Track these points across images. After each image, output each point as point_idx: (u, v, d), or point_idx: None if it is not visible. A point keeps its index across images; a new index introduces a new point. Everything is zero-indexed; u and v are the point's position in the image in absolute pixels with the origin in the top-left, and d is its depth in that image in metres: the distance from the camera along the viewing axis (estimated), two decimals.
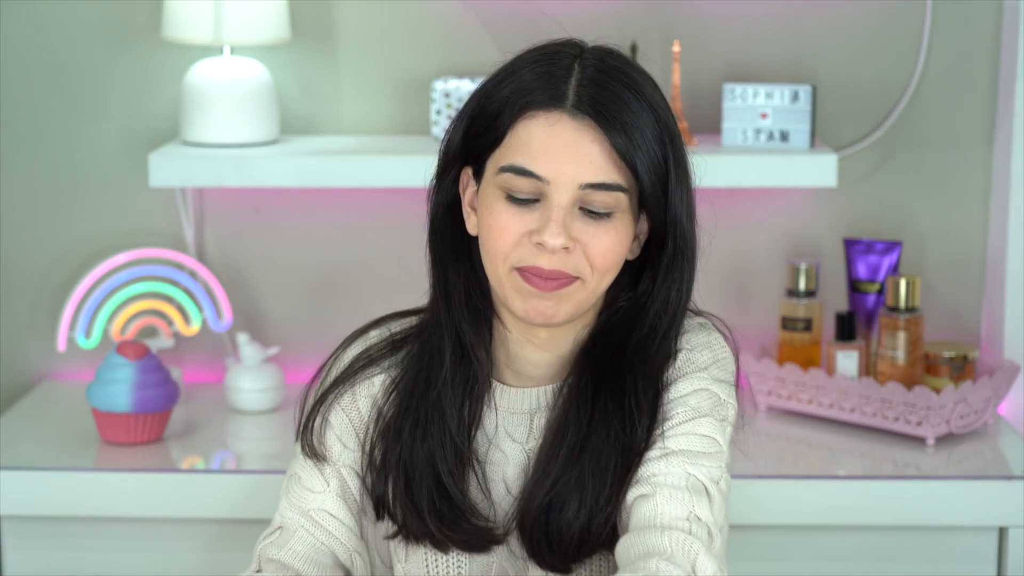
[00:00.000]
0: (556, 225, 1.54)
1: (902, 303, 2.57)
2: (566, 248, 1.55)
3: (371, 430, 1.69)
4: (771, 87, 2.59)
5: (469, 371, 1.66)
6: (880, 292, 2.65)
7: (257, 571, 1.69)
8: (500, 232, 1.56)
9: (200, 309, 2.70)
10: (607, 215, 1.57)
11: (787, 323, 2.66)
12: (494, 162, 1.58)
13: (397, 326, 1.74)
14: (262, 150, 2.59)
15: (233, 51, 2.64)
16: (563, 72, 1.57)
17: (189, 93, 2.61)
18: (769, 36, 2.70)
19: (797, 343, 2.65)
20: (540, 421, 1.67)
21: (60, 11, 2.71)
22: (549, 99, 1.55)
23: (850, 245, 2.69)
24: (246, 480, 2.37)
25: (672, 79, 2.61)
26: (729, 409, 1.68)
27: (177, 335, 2.74)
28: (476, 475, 1.66)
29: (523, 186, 1.56)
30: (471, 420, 1.65)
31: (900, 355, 2.57)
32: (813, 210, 2.74)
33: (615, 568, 1.63)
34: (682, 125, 2.61)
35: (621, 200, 1.56)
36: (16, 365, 2.81)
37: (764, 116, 2.60)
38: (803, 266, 2.65)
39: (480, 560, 1.68)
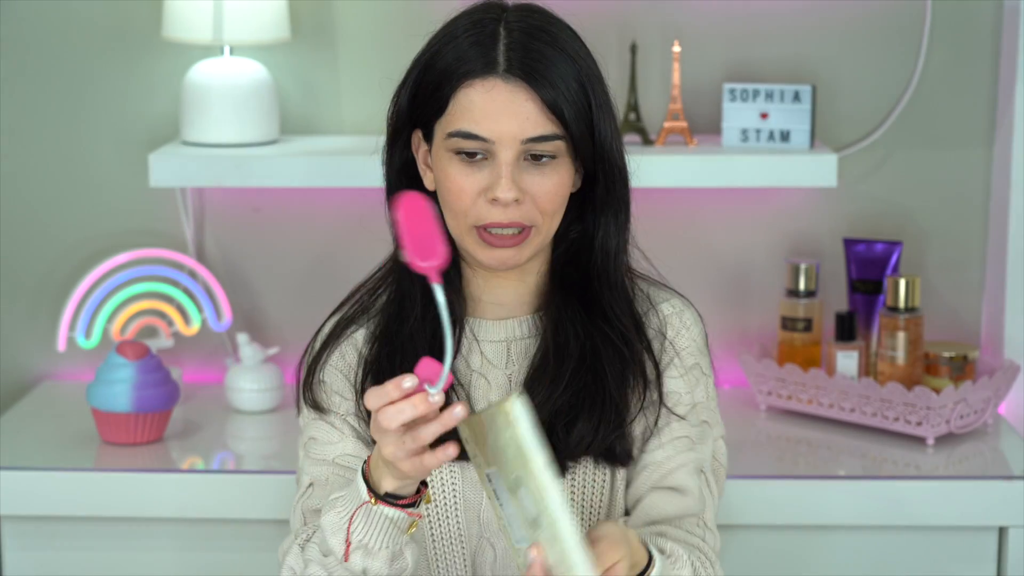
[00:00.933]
0: (506, 180, 1.70)
1: (902, 303, 2.57)
2: (517, 200, 1.70)
3: (359, 373, 1.81)
4: (771, 87, 2.59)
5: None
6: (880, 292, 2.65)
7: (304, 523, 1.78)
8: (457, 193, 1.72)
9: (200, 309, 2.70)
10: (550, 157, 1.71)
11: (787, 323, 2.66)
12: (441, 128, 1.73)
13: (361, 293, 1.87)
14: (262, 150, 2.60)
15: (233, 51, 2.64)
16: (491, 40, 1.72)
17: (189, 93, 2.61)
18: (769, 36, 2.70)
19: (797, 343, 2.65)
20: (519, 348, 1.80)
21: (60, 11, 2.71)
22: (483, 67, 1.71)
23: (850, 245, 2.69)
24: (246, 480, 2.37)
25: (672, 79, 2.61)
26: (711, 373, 1.86)
27: (177, 335, 2.74)
28: (459, 397, 1.77)
29: (471, 146, 1.71)
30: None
31: (900, 355, 2.57)
32: (813, 210, 2.74)
33: (603, 464, 1.78)
34: (682, 125, 2.61)
35: (560, 147, 1.72)
36: (16, 365, 2.81)
37: (764, 116, 2.60)
38: (803, 266, 2.64)
39: (472, 477, 1.78)
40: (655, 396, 1.78)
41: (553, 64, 1.70)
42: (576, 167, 1.76)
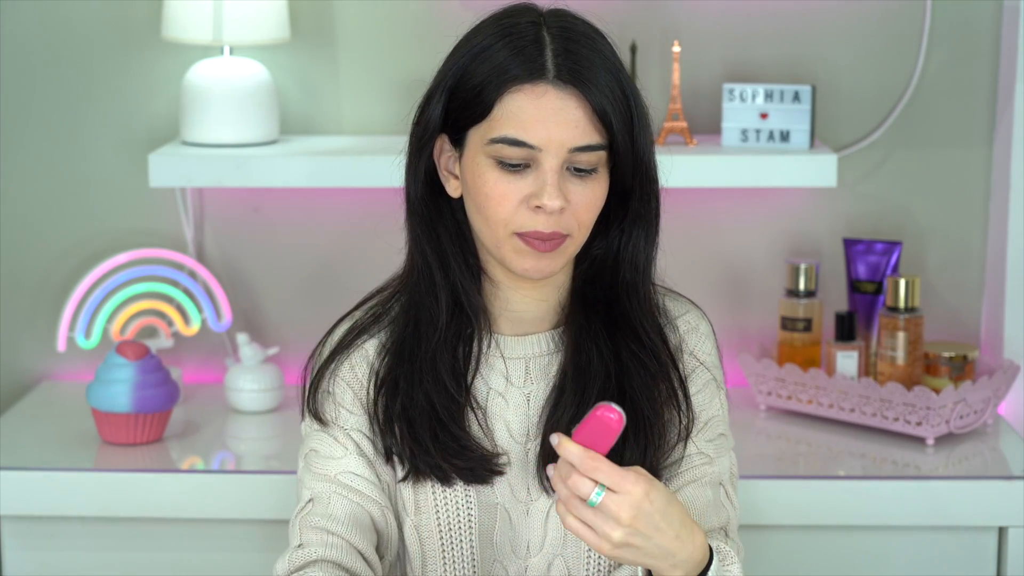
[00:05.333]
0: (553, 188, 1.66)
1: (902, 303, 2.57)
2: (561, 209, 1.67)
3: (370, 390, 1.77)
4: (771, 87, 2.59)
5: (462, 324, 1.76)
6: (880, 292, 2.65)
7: (299, 545, 1.74)
8: (500, 200, 1.67)
9: (200, 309, 2.70)
10: (591, 171, 1.69)
11: (787, 323, 2.66)
12: (481, 133, 1.68)
13: (375, 301, 1.84)
14: (262, 150, 2.59)
15: (233, 51, 2.64)
16: (535, 45, 1.67)
17: (189, 93, 2.61)
18: (769, 36, 2.70)
19: (797, 343, 2.65)
20: (538, 365, 1.78)
21: (60, 11, 2.71)
22: (531, 72, 1.66)
23: (850, 245, 2.69)
24: (246, 480, 2.37)
25: (672, 79, 2.61)
26: (724, 386, 1.84)
27: (177, 335, 2.74)
28: (477, 418, 1.75)
29: (515, 154, 1.67)
30: (466, 367, 1.75)
31: (900, 355, 2.57)
32: (813, 210, 2.74)
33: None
34: (682, 125, 2.61)
35: (602, 157, 1.69)
36: (16, 365, 2.81)
37: (764, 116, 2.60)
38: (803, 266, 2.64)
39: (487, 501, 1.76)
40: (684, 411, 1.77)
41: (601, 73, 1.67)
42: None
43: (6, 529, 2.40)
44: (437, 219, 1.75)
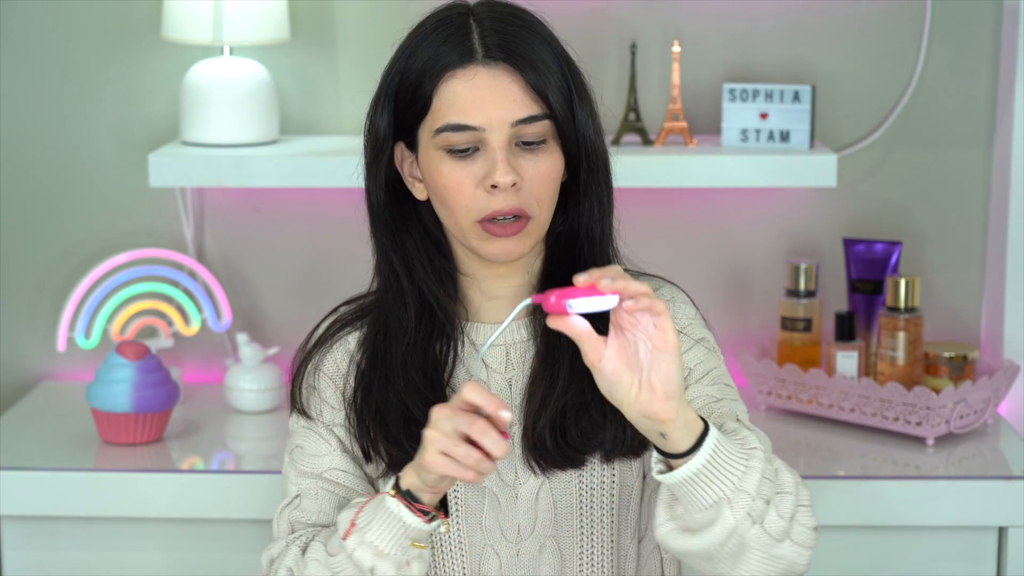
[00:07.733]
0: (503, 165, 1.69)
1: (902, 303, 2.57)
2: (515, 185, 1.69)
3: (350, 380, 1.80)
4: (771, 87, 2.59)
5: (434, 325, 1.78)
6: (880, 292, 2.65)
7: (292, 531, 1.78)
8: (456, 189, 1.70)
9: (200, 309, 2.70)
10: (541, 143, 1.71)
11: (787, 323, 2.66)
12: (427, 128, 1.72)
13: (363, 301, 1.86)
14: (262, 150, 2.60)
15: (233, 51, 2.64)
16: (463, 32, 1.71)
17: (189, 93, 2.61)
18: (769, 36, 2.70)
19: (797, 343, 2.65)
20: (518, 352, 1.79)
21: (60, 11, 2.71)
22: (460, 57, 1.70)
23: (850, 245, 2.69)
24: (246, 480, 2.37)
25: (672, 79, 2.61)
26: (718, 351, 1.82)
27: (177, 335, 2.74)
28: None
29: (461, 139, 1.69)
30: (443, 367, 1.77)
31: (900, 355, 2.57)
32: (813, 210, 2.74)
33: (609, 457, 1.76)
34: (682, 125, 2.61)
35: (547, 127, 1.71)
36: (16, 365, 2.81)
37: (764, 116, 2.60)
38: (803, 266, 2.64)
39: (473, 486, 1.77)
40: None
41: (530, 46, 1.70)
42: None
43: (6, 529, 2.40)
44: (401, 226, 1.78)
